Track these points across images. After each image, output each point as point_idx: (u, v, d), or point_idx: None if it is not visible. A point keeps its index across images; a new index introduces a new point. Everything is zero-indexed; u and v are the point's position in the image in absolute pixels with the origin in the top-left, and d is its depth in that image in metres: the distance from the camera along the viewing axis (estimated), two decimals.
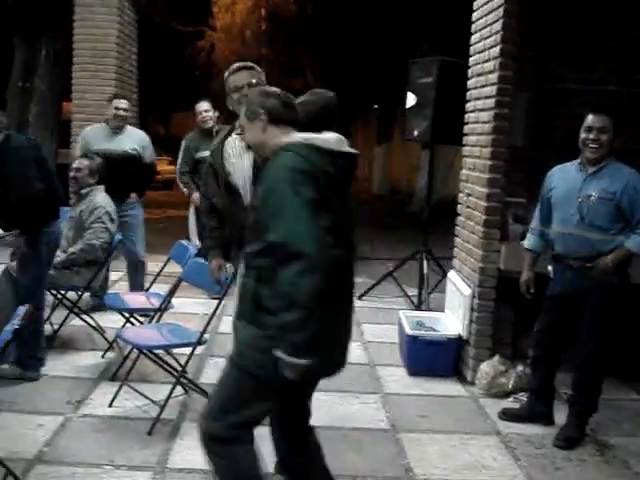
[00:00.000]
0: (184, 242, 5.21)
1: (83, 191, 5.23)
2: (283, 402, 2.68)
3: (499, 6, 4.49)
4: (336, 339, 2.66)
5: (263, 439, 2.73)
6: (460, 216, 5.28)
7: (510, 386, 4.54)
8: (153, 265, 5.85)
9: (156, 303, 4.64)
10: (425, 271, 6.51)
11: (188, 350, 3.97)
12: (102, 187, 5.28)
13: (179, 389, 4.07)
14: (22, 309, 2.90)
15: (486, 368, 4.62)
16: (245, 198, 3.24)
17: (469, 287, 4.84)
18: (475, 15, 5.06)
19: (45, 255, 4.41)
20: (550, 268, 3.98)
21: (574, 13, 4.86)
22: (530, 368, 4.25)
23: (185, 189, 6.61)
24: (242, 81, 3.34)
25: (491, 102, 4.58)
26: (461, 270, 5.17)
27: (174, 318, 4.83)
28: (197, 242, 6.25)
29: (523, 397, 4.38)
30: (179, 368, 4.09)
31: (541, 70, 4.83)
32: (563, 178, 3.86)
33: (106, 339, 4.97)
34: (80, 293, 5.08)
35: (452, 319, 5.16)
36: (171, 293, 4.55)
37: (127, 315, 4.76)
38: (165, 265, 5.03)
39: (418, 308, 6.41)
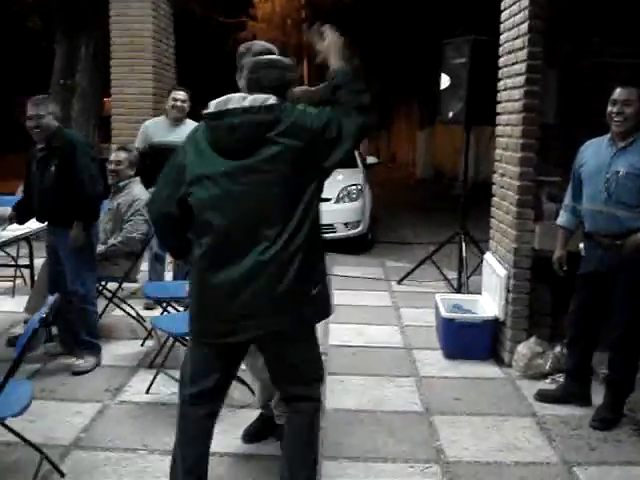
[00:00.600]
0: None
1: (121, 183, 5.32)
2: None
3: None
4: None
5: None
6: (495, 197, 5.21)
7: (547, 367, 4.47)
8: None
9: None
10: (464, 254, 6.45)
11: None
12: (138, 179, 5.37)
13: None
14: (51, 299, 2.98)
15: (523, 350, 4.56)
16: None
17: (504, 268, 4.78)
18: None
19: (95, 247, 4.62)
20: (582, 246, 3.90)
21: None
22: (566, 348, 4.18)
23: None
24: None
25: (521, 80, 4.51)
26: (497, 251, 5.11)
27: None
28: None
29: (560, 378, 4.32)
30: None
31: (574, 45, 4.70)
32: (594, 153, 3.77)
33: (145, 328, 5.06)
34: (119, 283, 5.19)
35: (489, 301, 5.11)
36: None
37: (164, 304, 4.84)
38: None
39: (458, 291, 6.37)
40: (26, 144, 4.81)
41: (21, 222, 4.84)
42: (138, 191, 5.26)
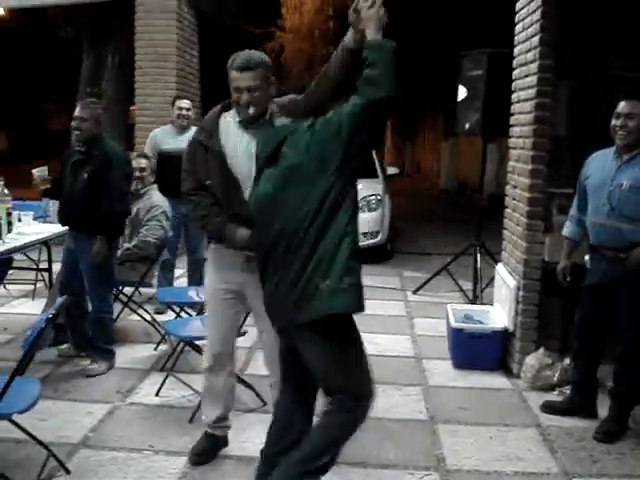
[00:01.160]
0: None
1: (142, 190, 5.42)
2: None
3: None
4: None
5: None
6: (507, 208, 5.23)
7: (555, 379, 4.47)
8: None
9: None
10: (478, 265, 6.46)
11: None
12: (156, 186, 5.48)
13: None
14: (60, 299, 3.08)
15: (531, 361, 4.57)
16: (245, 190, 3.06)
17: (514, 279, 4.80)
18: (518, 5, 5.01)
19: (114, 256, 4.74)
20: (587, 258, 3.91)
21: None
22: (572, 360, 4.19)
23: None
24: (242, 84, 3.01)
25: (532, 92, 4.53)
26: (508, 263, 5.13)
27: None
28: None
29: (567, 390, 4.31)
30: None
31: (585, 58, 4.73)
32: (600, 166, 3.79)
33: (159, 332, 5.16)
34: (135, 288, 5.30)
35: (500, 312, 5.12)
36: None
37: (177, 309, 4.92)
38: None
39: (473, 302, 6.37)
40: (53, 150, 4.92)
41: (53, 195, 4.88)
42: (157, 198, 5.37)
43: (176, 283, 6.82)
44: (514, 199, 4.99)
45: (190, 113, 6.19)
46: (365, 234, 8.64)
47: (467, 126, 6.50)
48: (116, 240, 4.69)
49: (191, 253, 6.22)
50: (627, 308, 3.66)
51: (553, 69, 4.44)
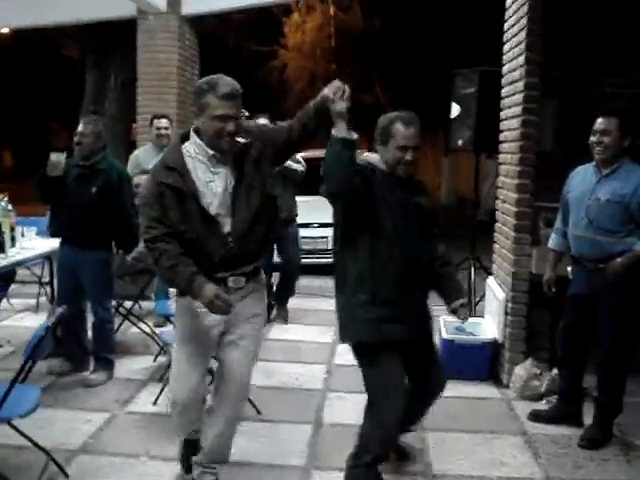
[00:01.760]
0: None
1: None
2: None
3: (524, 14, 4.59)
4: None
5: None
6: (497, 222, 5.36)
7: (543, 389, 4.58)
8: None
9: None
10: (472, 278, 6.58)
11: None
12: None
13: None
14: (59, 310, 3.21)
15: (520, 371, 4.68)
16: (224, 226, 2.92)
17: (503, 292, 4.92)
18: (506, 25, 5.17)
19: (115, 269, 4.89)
20: (569, 269, 4.03)
21: (605, 17, 4.89)
22: (557, 370, 4.30)
23: None
24: (231, 112, 2.85)
25: (519, 109, 4.67)
26: (498, 275, 5.25)
27: None
28: None
29: (555, 399, 4.42)
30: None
31: (571, 76, 4.87)
32: (581, 180, 3.92)
33: (158, 344, 5.27)
34: (134, 301, 5.44)
35: (491, 324, 5.24)
36: None
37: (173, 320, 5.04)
38: None
39: None
40: None
41: (45, 191, 4.63)
42: None
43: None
44: (503, 213, 5.12)
45: (169, 132, 6.24)
46: None
47: (460, 142, 6.63)
48: (112, 253, 4.82)
49: None
50: (606, 318, 3.77)
51: (539, 87, 4.59)
